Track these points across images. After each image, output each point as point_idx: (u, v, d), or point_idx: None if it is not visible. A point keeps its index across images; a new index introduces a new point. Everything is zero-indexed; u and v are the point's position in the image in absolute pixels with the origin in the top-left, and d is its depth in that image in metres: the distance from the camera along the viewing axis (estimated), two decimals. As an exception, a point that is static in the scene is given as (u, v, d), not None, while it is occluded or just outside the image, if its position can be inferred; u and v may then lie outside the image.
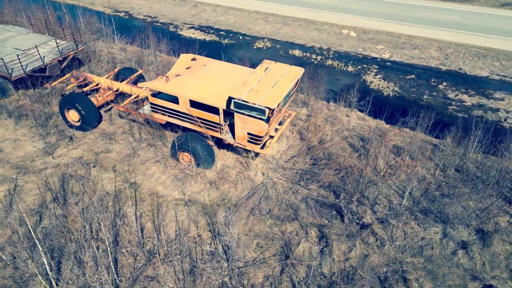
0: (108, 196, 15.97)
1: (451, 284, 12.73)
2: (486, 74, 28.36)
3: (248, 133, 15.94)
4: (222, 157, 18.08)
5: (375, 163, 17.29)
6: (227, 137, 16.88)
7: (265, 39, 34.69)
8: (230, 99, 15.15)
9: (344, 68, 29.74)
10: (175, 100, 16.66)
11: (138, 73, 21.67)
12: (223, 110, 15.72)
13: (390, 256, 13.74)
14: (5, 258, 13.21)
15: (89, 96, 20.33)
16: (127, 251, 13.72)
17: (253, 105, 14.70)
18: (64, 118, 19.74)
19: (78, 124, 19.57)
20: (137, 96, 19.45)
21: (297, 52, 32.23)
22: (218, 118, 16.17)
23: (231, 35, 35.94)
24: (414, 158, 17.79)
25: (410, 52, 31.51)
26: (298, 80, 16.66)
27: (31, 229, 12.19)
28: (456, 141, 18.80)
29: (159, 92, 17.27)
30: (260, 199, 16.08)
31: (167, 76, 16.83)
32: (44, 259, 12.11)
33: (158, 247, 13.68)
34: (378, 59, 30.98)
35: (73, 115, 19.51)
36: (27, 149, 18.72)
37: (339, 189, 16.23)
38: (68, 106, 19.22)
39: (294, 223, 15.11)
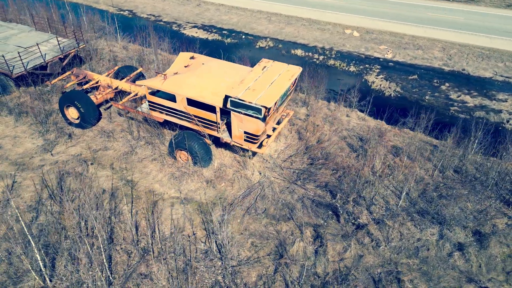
0: (104, 194, 16.00)
1: (446, 286, 12.61)
2: (490, 75, 28.12)
3: (245, 132, 15.91)
4: (220, 155, 18.06)
5: (372, 163, 17.19)
6: (224, 136, 16.85)
7: (268, 39, 34.63)
8: (226, 97, 15.12)
9: (346, 68, 29.61)
10: (172, 98, 16.66)
11: (138, 71, 21.71)
12: (220, 108, 15.70)
13: (385, 257, 13.63)
14: (0, 254, 13.28)
15: (88, 94, 20.39)
16: (121, 248, 13.73)
17: (250, 104, 14.66)
18: (64, 115, 19.82)
19: (77, 121, 19.64)
20: (136, 94, 19.48)
21: (299, 52, 32.15)
22: (215, 117, 16.15)
23: (233, 34, 35.92)
24: (413, 159, 17.66)
25: (413, 53, 31.31)
26: (296, 79, 16.61)
27: (24, 225, 12.22)
28: (456, 142, 18.64)
29: (158, 90, 17.29)
30: (256, 198, 16.03)
31: (165, 74, 16.84)
32: (38, 255, 12.16)
33: (152, 244, 13.68)
34: (381, 59, 30.81)
35: (72, 113, 19.58)
36: (26, 146, 18.81)
37: (335, 189, 16.15)
38: (68, 104, 19.29)
39: (290, 222, 15.05)
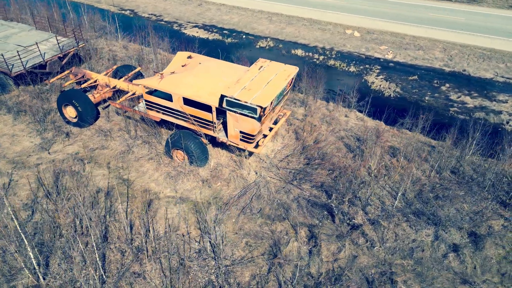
0: (100, 192, 16.03)
1: (440, 287, 12.54)
2: (491, 76, 27.97)
3: (241, 132, 15.89)
4: (216, 155, 18.05)
5: (368, 164, 17.12)
6: (221, 135, 16.85)
7: (268, 39, 34.61)
8: (222, 97, 15.10)
9: (346, 68, 29.54)
10: (169, 97, 16.68)
11: (136, 70, 21.74)
12: (216, 108, 15.69)
13: (379, 258, 13.58)
14: (-6, 252, 13.35)
15: (87, 93, 20.43)
16: (115, 247, 13.74)
17: (245, 104, 14.65)
18: (62, 114, 19.88)
19: (75, 120, 19.70)
20: (134, 94, 19.50)
21: (299, 52, 32.11)
22: (211, 116, 16.14)
23: (234, 34, 35.93)
24: (409, 160, 17.58)
25: (414, 53, 31.20)
26: (292, 79, 16.57)
27: (16, 223, 12.24)
28: (454, 143, 18.55)
29: (155, 90, 17.30)
30: (251, 198, 16.01)
31: (161, 74, 16.85)
32: (31, 253, 12.19)
33: (146, 243, 13.69)
34: (381, 60, 30.72)
35: (70, 112, 19.63)
36: (24, 144, 18.88)
37: (331, 189, 16.10)
38: (66, 103, 19.34)
39: (285, 222, 15.02)
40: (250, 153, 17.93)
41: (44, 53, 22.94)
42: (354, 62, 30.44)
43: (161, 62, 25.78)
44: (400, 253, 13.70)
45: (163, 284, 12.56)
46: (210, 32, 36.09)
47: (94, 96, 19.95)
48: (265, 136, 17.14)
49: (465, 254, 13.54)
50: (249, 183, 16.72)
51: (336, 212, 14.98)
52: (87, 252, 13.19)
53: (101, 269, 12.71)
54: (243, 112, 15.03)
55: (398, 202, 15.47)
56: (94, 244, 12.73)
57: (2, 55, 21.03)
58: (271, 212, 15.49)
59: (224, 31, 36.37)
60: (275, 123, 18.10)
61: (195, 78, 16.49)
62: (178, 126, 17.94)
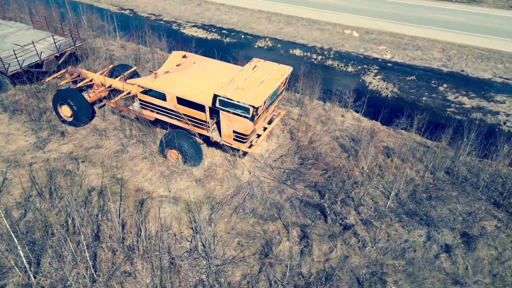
0: (93, 191, 16.05)
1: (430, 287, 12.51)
2: (489, 76, 27.88)
3: (234, 131, 15.88)
4: (211, 154, 18.05)
5: (361, 164, 17.08)
6: (214, 135, 16.84)
7: (267, 39, 34.58)
8: (215, 96, 15.09)
9: (344, 69, 29.49)
10: (163, 97, 16.68)
11: (132, 69, 21.74)
12: (210, 107, 15.67)
13: (371, 258, 13.54)
14: (-14, 250, 13.37)
15: (82, 92, 20.45)
16: (107, 246, 13.74)
17: (238, 103, 14.63)
18: (57, 113, 19.92)
19: (70, 119, 19.73)
20: (129, 93, 19.51)
21: (297, 52, 32.07)
22: (205, 116, 16.14)
23: (233, 34, 35.92)
24: (404, 160, 17.54)
25: (412, 53, 31.12)
26: (286, 78, 16.54)
27: (6, 222, 12.27)
28: (449, 143, 18.48)
29: (150, 89, 17.29)
30: (244, 198, 15.99)
31: (155, 73, 16.85)
32: (21, 252, 12.20)
33: (138, 242, 13.69)
34: (379, 60, 30.65)
35: (65, 111, 19.67)
36: (19, 143, 18.92)
37: (324, 189, 16.07)
38: (61, 102, 19.38)
39: (277, 222, 15.00)
40: (245, 153, 17.93)
41: (41, 52, 22.99)
42: (352, 62, 30.38)
43: (158, 61, 25.81)
44: (392, 254, 13.65)
45: (153, 283, 12.56)
46: (209, 32, 36.09)
47: (89, 96, 19.97)
48: (259, 135, 17.12)
49: (457, 254, 13.48)
50: (242, 183, 16.71)
51: (329, 212, 14.95)
52: (78, 251, 13.20)
53: (91, 268, 12.71)
54: (236, 112, 15.02)
55: (391, 202, 15.43)
56: (84, 243, 12.72)
57: (-2, 54, 21.14)
58: (263, 212, 15.48)
59: (223, 31, 36.37)
60: (270, 122, 18.08)
61: (189, 78, 16.48)
62: (172, 126, 17.94)
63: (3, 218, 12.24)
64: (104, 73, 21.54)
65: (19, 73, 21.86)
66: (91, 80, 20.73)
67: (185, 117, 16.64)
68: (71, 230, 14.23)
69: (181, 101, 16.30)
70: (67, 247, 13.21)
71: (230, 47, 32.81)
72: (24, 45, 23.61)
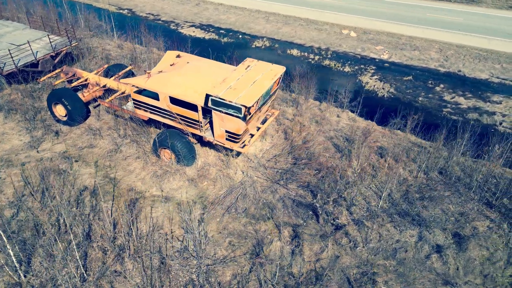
0: (86, 191, 16.05)
1: (421, 288, 12.48)
2: (486, 77, 27.81)
3: (226, 131, 15.87)
4: (204, 154, 18.04)
5: (353, 164, 17.04)
6: (207, 135, 16.83)
7: (264, 38, 34.57)
8: (207, 96, 15.08)
9: (341, 69, 29.45)
10: (156, 96, 16.68)
11: (127, 69, 21.73)
12: (202, 107, 15.66)
13: (362, 258, 13.52)
14: (-23, 249, 13.38)
15: (77, 92, 20.45)
16: (97, 245, 13.74)
17: (230, 103, 14.62)
18: (52, 113, 19.93)
19: (65, 119, 19.73)
20: (123, 92, 19.50)
21: (295, 52, 32.04)
22: (198, 116, 16.13)
23: (230, 33, 35.91)
24: (397, 160, 17.50)
25: (410, 53, 31.07)
26: (278, 78, 16.53)
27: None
28: (443, 144, 18.43)
29: (144, 89, 17.28)
30: (237, 198, 15.98)
31: (148, 73, 16.85)
32: (10, 251, 12.21)
33: (128, 242, 13.68)
34: (377, 60, 30.61)
35: (60, 110, 19.68)
36: (14, 142, 18.94)
37: (317, 189, 16.04)
38: (55, 101, 19.39)
39: (269, 222, 14.98)
40: (238, 153, 17.91)
41: (37, 51, 23.02)
42: (349, 62, 30.34)
43: (154, 61, 25.80)
44: (383, 254, 13.63)
45: (144, 283, 12.55)
46: (206, 32, 36.10)
47: (84, 95, 19.97)
48: (252, 135, 17.10)
49: (448, 255, 13.45)
50: (235, 183, 16.69)
51: (321, 212, 14.92)
52: (69, 251, 13.20)
53: (82, 267, 12.72)
54: (228, 112, 15.00)
55: (383, 203, 15.40)
56: (74, 243, 12.72)
57: (-7, 53, 21.16)
58: (256, 211, 15.46)
59: (221, 31, 36.37)
60: (264, 122, 18.06)
61: (182, 77, 16.48)
62: (166, 125, 17.94)
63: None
64: (99, 72, 21.54)
65: (15, 73, 21.89)
66: (86, 80, 20.73)
67: (178, 116, 16.64)
68: (62, 230, 14.23)
69: (174, 100, 16.30)
70: (58, 247, 13.21)
71: (227, 47, 32.78)
72: (20, 44, 23.64)
